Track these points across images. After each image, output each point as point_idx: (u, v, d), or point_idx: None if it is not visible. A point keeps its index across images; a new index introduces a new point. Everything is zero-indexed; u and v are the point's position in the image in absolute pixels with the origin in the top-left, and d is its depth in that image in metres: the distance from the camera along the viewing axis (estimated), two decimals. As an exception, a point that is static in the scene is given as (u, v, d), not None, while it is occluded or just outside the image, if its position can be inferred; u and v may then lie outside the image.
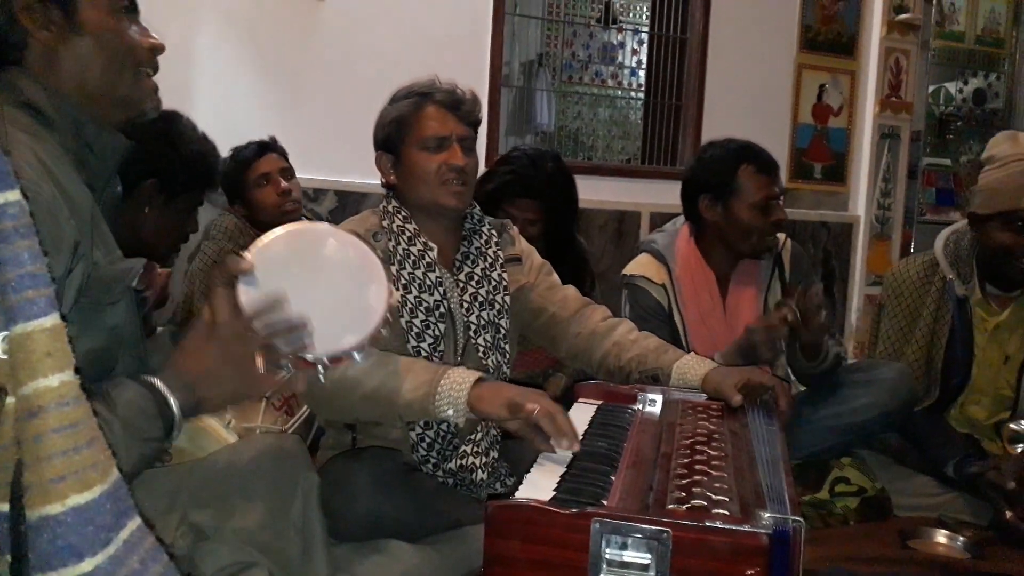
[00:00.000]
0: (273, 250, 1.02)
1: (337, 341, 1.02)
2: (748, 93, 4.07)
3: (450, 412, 1.35)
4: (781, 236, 2.14)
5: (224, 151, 2.51)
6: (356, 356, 1.04)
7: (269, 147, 2.54)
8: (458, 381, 1.35)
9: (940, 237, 2.18)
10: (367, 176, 3.29)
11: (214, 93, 3.21)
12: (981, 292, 2.11)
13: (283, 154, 2.58)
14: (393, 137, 1.63)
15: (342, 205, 3.43)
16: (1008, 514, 1.81)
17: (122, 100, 1.07)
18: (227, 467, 1.16)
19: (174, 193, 1.62)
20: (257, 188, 2.50)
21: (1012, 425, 2.02)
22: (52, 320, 0.67)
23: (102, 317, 0.96)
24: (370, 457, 1.53)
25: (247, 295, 0.97)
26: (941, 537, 1.84)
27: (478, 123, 1.67)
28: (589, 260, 2.44)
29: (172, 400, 0.93)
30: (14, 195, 0.67)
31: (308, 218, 2.75)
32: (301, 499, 1.16)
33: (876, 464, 2.08)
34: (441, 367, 1.40)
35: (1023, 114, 5.36)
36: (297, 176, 2.61)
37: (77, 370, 0.69)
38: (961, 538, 1.82)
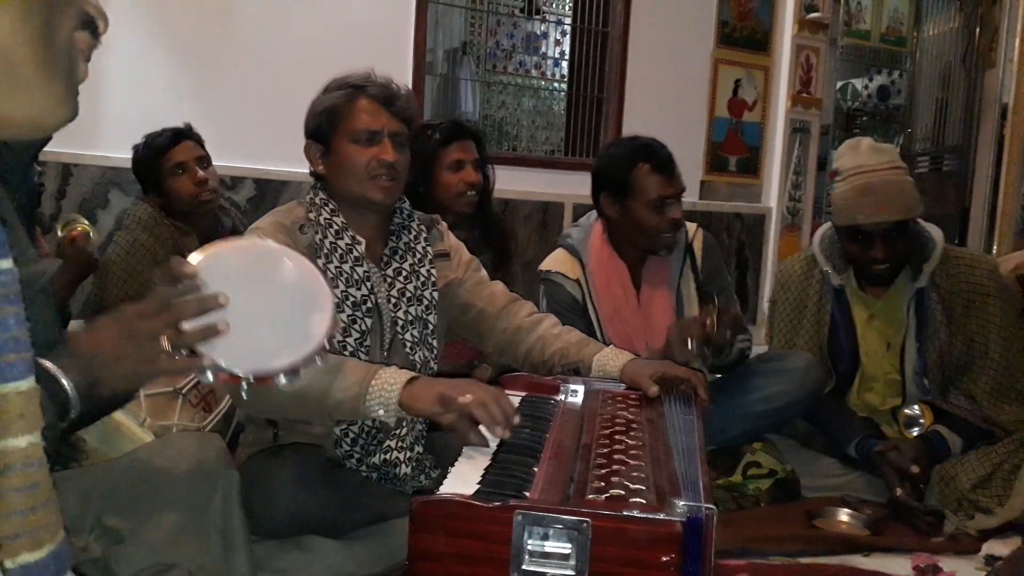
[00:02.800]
0: (221, 259, 1.00)
1: (267, 360, 0.99)
2: (667, 87, 4.17)
3: (380, 412, 1.34)
4: (692, 227, 2.20)
5: (137, 139, 2.44)
6: (282, 378, 1.01)
7: (184, 134, 2.44)
8: (389, 381, 1.34)
9: (818, 233, 2.29)
10: (286, 163, 3.26)
11: (126, 78, 3.08)
12: (857, 283, 2.20)
13: (199, 141, 2.48)
14: (324, 127, 1.61)
15: (261, 193, 3.36)
16: (898, 491, 1.92)
17: None
18: (143, 467, 1.12)
19: None
20: (172, 177, 2.41)
21: (906, 411, 2.14)
22: (28, 384, 0.71)
23: None
24: (292, 453, 1.51)
25: None
26: (843, 516, 1.95)
27: (412, 120, 1.65)
28: (510, 234, 2.55)
29: (64, 380, 0.90)
30: (7, 263, 0.71)
31: (225, 207, 2.67)
32: (221, 498, 1.13)
33: (785, 448, 2.17)
34: (372, 366, 1.38)
35: (923, 109, 5.64)
36: (215, 164, 2.52)
37: (42, 432, 0.71)
38: (862, 516, 1.94)
